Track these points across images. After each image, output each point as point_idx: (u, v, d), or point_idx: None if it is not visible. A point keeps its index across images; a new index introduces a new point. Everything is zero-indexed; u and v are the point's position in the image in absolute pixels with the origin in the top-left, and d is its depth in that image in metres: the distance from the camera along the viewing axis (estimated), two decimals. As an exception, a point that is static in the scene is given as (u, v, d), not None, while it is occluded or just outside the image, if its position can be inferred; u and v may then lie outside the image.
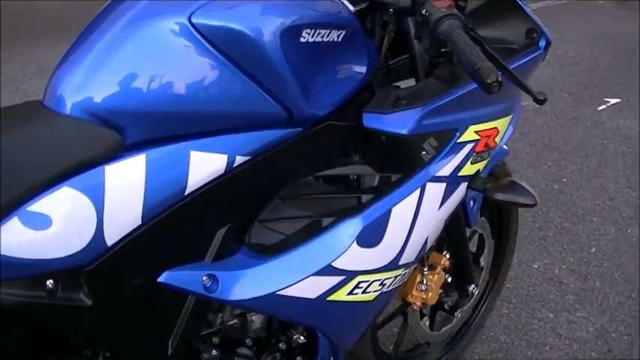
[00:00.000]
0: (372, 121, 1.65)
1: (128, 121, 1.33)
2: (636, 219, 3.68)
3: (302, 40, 1.48)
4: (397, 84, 1.87)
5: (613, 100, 5.24)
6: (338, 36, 1.57)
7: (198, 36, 1.36)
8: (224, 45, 1.38)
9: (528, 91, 1.58)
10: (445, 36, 1.50)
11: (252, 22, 1.40)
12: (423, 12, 1.55)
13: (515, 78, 1.58)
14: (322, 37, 1.52)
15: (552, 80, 5.47)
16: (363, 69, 1.65)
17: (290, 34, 1.45)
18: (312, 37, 1.50)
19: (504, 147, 2.07)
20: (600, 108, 5.10)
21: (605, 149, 4.45)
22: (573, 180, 4.04)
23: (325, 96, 1.57)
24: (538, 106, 1.63)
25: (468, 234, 2.24)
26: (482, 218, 2.38)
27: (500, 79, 1.42)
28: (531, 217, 3.56)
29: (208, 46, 1.37)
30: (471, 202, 2.06)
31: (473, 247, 2.40)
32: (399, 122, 1.64)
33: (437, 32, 1.51)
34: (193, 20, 1.36)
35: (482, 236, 2.43)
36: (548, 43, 1.85)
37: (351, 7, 1.64)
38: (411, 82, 1.87)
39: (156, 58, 1.36)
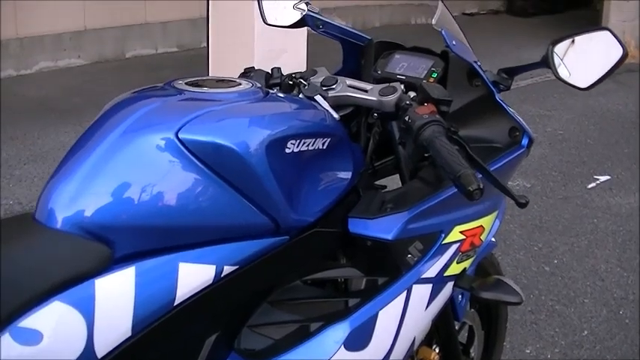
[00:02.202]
0: (358, 226, 1.67)
1: (117, 234, 1.35)
2: (627, 300, 3.68)
3: (287, 150, 1.50)
4: (382, 181, 1.90)
5: (602, 178, 5.27)
6: (323, 144, 1.59)
7: (185, 151, 1.39)
8: (210, 159, 1.41)
9: (510, 195, 1.60)
10: (427, 143, 1.53)
11: (237, 137, 1.44)
12: (406, 118, 1.58)
13: (497, 182, 1.62)
14: (307, 146, 1.55)
15: (542, 159, 5.51)
16: (348, 174, 1.68)
17: (275, 146, 1.48)
18: (297, 147, 1.52)
19: (492, 239, 2.09)
20: (590, 186, 5.13)
21: (595, 228, 4.47)
22: (564, 261, 4.05)
23: (311, 204, 1.59)
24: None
25: (457, 326, 2.24)
26: (472, 310, 2.38)
27: (481, 186, 1.45)
28: (523, 301, 3.56)
29: (195, 161, 1.40)
30: (459, 296, 2.06)
31: (463, 337, 2.40)
32: (384, 227, 1.65)
33: (419, 139, 1.54)
34: (180, 136, 1.39)
35: (471, 328, 2.42)
36: (530, 141, 1.86)
37: (335, 115, 1.68)
38: (395, 178, 1.91)
39: (144, 173, 1.39)
